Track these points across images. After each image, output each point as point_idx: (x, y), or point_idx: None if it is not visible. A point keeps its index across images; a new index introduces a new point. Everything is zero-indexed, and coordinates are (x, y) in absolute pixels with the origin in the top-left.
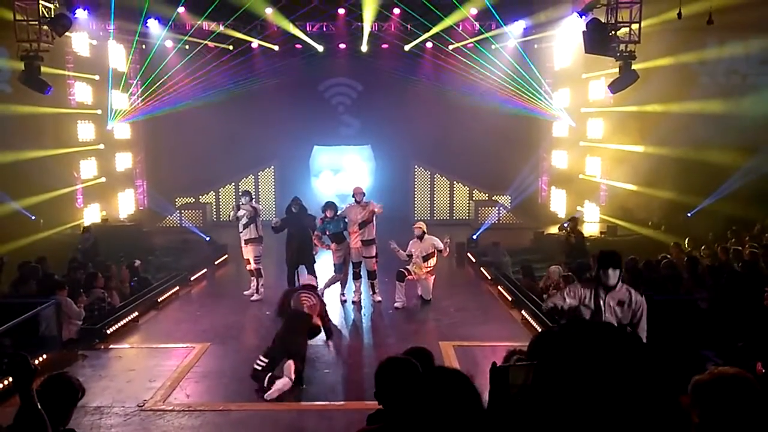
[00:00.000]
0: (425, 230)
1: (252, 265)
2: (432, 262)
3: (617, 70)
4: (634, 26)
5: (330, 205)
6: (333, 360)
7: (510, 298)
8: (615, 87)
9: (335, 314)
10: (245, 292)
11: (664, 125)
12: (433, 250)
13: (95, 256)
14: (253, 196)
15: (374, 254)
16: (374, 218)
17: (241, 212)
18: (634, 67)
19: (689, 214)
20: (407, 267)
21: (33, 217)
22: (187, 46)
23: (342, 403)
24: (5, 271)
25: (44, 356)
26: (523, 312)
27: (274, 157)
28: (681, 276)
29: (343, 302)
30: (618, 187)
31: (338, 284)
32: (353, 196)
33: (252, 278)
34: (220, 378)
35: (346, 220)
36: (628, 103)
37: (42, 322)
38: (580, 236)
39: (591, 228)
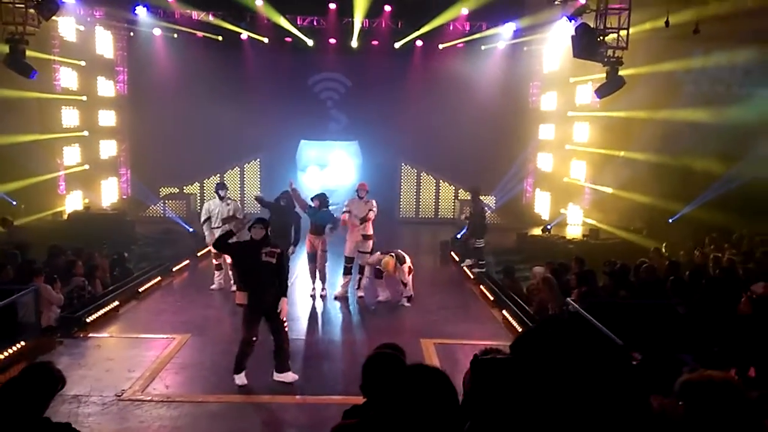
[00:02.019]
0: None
1: (228, 260)
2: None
3: (605, 75)
4: (623, 32)
5: (320, 197)
6: (311, 354)
7: (491, 298)
8: (602, 92)
9: (309, 309)
10: (212, 287)
11: (649, 131)
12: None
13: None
14: (228, 188)
15: (370, 250)
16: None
17: (211, 205)
18: (621, 73)
19: (670, 220)
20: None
21: (14, 203)
22: (175, 35)
23: (316, 397)
24: None
25: (22, 343)
26: (504, 312)
27: (261, 150)
28: (660, 280)
29: (312, 296)
30: (601, 191)
31: (307, 278)
32: (357, 192)
33: (216, 272)
34: (199, 369)
35: (335, 216)
36: (614, 109)
37: (20, 309)
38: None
39: (574, 230)
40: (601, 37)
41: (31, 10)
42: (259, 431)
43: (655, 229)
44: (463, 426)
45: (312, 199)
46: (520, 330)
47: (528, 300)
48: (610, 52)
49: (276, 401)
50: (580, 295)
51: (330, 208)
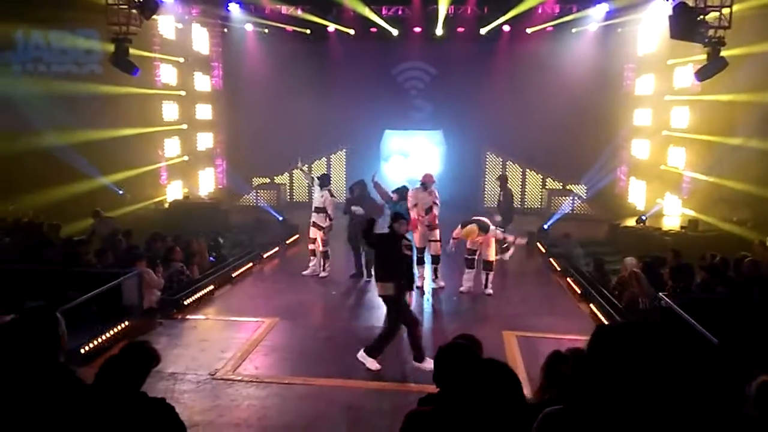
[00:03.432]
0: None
1: (320, 248)
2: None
3: (705, 56)
4: (725, 11)
5: (399, 190)
6: (394, 344)
7: (579, 291)
8: (702, 74)
9: None
10: (304, 273)
11: (755, 116)
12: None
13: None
14: (329, 181)
15: (439, 237)
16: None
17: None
18: (723, 53)
19: None
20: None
21: (121, 192)
22: (266, 30)
23: (398, 384)
24: (95, 238)
25: (126, 323)
26: (591, 306)
27: (347, 140)
28: (763, 276)
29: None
30: (702, 180)
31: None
32: (422, 183)
33: (312, 257)
34: (288, 352)
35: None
36: (716, 92)
37: (124, 291)
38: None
39: (671, 222)
40: (702, 16)
41: (134, 11)
42: (342, 414)
43: (760, 220)
44: (530, 419)
45: (393, 192)
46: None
47: (618, 293)
48: (711, 32)
49: (358, 386)
50: (674, 291)
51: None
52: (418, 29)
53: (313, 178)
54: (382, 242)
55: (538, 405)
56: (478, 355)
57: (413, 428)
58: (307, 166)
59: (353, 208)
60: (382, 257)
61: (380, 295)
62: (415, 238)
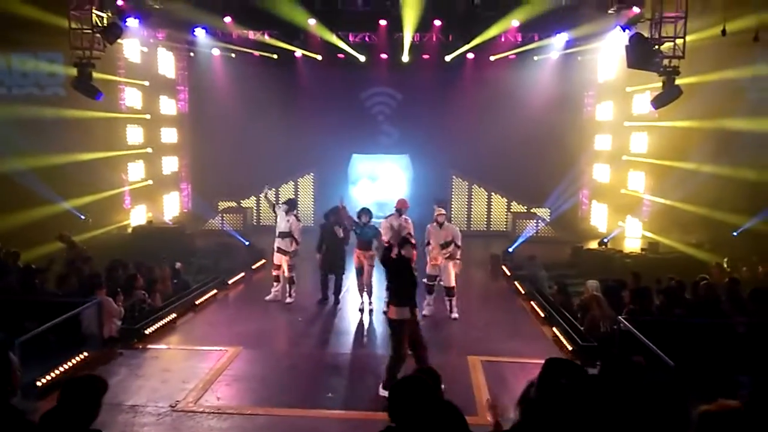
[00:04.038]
0: (446, 216)
1: (285, 273)
2: (450, 249)
3: (661, 84)
4: (679, 41)
5: (365, 211)
6: (360, 369)
7: (542, 314)
8: (658, 102)
9: (357, 323)
10: (267, 298)
11: (710, 141)
12: (451, 239)
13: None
14: (295, 206)
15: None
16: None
17: (279, 213)
18: (678, 82)
19: (735, 234)
20: (431, 275)
21: (82, 217)
22: (233, 55)
23: (362, 413)
24: (56, 265)
25: (85, 354)
26: (554, 329)
27: (314, 164)
28: (719, 299)
29: (360, 311)
30: (661, 203)
31: (356, 292)
32: (397, 210)
33: (275, 283)
34: (250, 382)
35: (379, 230)
36: (673, 118)
37: (84, 321)
38: None
39: (632, 244)
40: (657, 46)
41: (98, 35)
42: None
43: (717, 243)
44: None
45: (358, 215)
46: (570, 348)
47: (580, 315)
48: (666, 61)
49: (321, 415)
50: (631, 313)
51: (374, 221)
52: (384, 56)
53: (275, 204)
54: (396, 268)
55: None
56: (431, 391)
57: None
58: (273, 191)
59: (336, 228)
60: (398, 283)
61: (394, 320)
62: (354, 259)
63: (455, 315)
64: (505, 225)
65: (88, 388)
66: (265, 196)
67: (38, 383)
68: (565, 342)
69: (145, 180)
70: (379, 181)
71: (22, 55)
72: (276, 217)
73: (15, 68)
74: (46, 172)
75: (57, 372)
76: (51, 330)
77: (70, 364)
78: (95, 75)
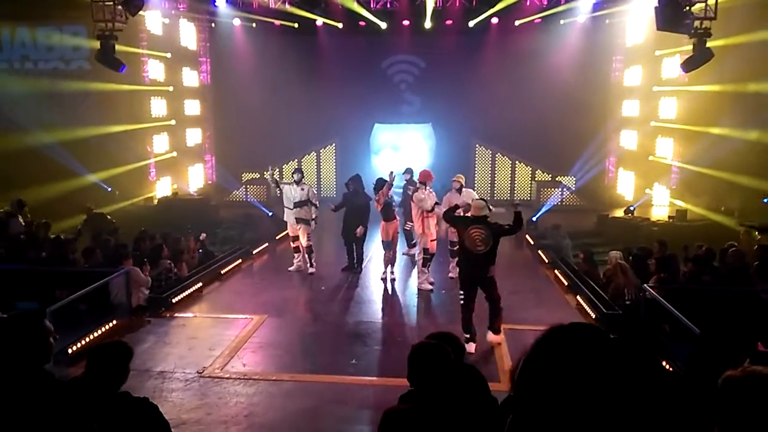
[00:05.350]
0: (463, 183)
1: (304, 243)
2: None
3: (692, 47)
4: (710, 1)
5: (382, 182)
6: (383, 338)
7: (566, 283)
8: (688, 65)
9: (380, 293)
10: (290, 269)
11: (742, 106)
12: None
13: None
14: (304, 174)
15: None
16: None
17: (286, 188)
18: (709, 44)
19: (765, 200)
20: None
21: (109, 189)
22: (254, 24)
23: (386, 379)
24: (83, 237)
25: (114, 322)
26: (578, 297)
27: (336, 135)
28: (748, 267)
29: (383, 280)
30: (690, 170)
31: (379, 262)
32: (421, 182)
33: (296, 254)
34: (275, 349)
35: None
36: (703, 83)
37: (112, 290)
38: None
39: (659, 212)
40: (687, 8)
41: (119, 7)
42: (330, 409)
43: (748, 210)
44: (502, 419)
45: (380, 184)
46: (594, 316)
47: (604, 286)
48: (696, 23)
49: (346, 381)
50: (659, 281)
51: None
52: (406, 22)
53: (277, 181)
54: (461, 224)
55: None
56: (448, 355)
57: (389, 427)
58: (277, 171)
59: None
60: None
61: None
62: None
63: None
64: (529, 194)
65: (115, 354)
66: (272, 177)
67: (69, 351)
68: (589, 310)
69: (169, 152)
70: (402, 151)
71: (47, 29)
72: (280, 193)
73: (40, 42)
74: (72, 145)
75: (87, 340)
76: (81, 299)
77: (99, 332)
78: (118, 47)
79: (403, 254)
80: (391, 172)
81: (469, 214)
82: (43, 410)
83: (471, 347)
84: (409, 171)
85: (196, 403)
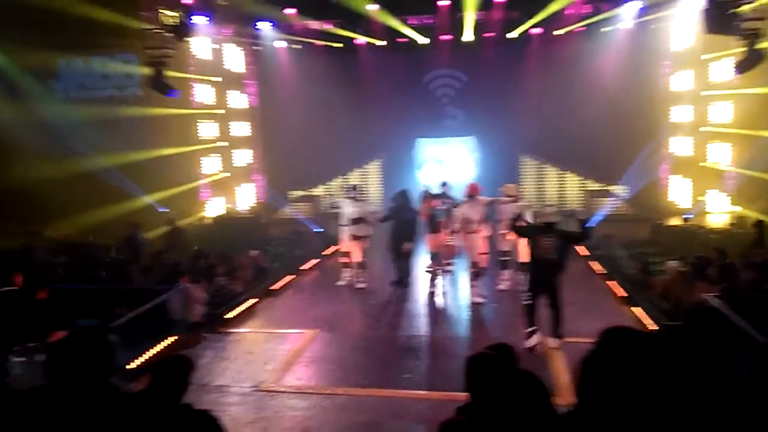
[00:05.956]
0: (513, 193)
1: (358, 259)
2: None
3: (742, 49)
4: (759, 1)
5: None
6: (435, 352)
7: (623, 294)
8: (741, 68)
9: (430, 307)
10: (339, 283)
11: None
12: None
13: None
14: (359, 191)
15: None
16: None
17: (342, 205)
18: (760, 46)
19: None
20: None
21: (163, 210)
22: (298, 47)
23: (440, 393)
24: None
25: (173, 338)
26: (636, 308)
27: (381, 150)
28: None
29: (432, 293)
30: (747, 175)
31: (427, 276)
32: (469, 195)
33: (346, 269)
34: (328, 363)
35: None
36: (755, 85)
37: (170, 307)
38: None
39: (717, 219)
40: (734, 9)
41: (168, 34)
42: (384, 423)
43: None
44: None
45: (428, 198)
46: (653, 328)
47: (662, 297)
48: (745, 24)
49: (400, 395)
50: (721, 290)
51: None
52: (446, 37)
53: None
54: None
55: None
56: (505, 365)
57: None
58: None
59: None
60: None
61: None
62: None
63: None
64: (580, 204)
65: (177, 367)
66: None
67: (129, 366)
68: (648, 321)
69: (221, 172)
70: (446, 164)
71: (101, 58)
72: (338, 209)
73: (95, 71)
74: (127, 168)
75: (146, 356)
76: (141, 316)
77: (158, 348)
78: (168, 73)
79: (426, 270)
80: (445, 183)
81: (537, 221)
82: (110, 421)
83: (534, 339)
84: (445, 184)
85: (252, 416)
